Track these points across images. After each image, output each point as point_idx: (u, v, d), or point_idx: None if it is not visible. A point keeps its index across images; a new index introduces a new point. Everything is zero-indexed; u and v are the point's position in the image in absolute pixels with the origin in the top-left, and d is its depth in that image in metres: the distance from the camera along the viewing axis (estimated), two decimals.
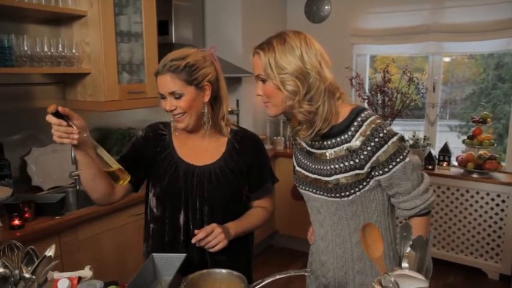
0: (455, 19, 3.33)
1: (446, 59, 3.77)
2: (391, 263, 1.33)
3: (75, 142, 1.15)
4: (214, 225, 1.31)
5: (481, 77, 3.76)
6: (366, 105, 3.57)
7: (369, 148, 1.18)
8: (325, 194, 1.27)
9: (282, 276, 1.15)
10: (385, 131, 1.18)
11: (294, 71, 1.16)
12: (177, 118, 1.33)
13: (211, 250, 1.30)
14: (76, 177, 2.44)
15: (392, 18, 3.55)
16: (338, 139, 1.23)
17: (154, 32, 2.63)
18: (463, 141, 3.33)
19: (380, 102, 3.46)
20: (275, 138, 3.83)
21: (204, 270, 1.18)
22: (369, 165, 1.20)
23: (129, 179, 1.21)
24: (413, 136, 3.47)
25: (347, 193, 1.23)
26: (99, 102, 2.38)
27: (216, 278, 1.17)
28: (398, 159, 1.19)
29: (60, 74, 2.37)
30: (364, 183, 1.23)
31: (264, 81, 1.20)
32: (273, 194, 1.53)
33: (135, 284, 1.13)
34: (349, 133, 1.20)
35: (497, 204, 3.13)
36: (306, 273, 1.11)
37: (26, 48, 2.07)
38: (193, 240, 1.29)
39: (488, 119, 3.23)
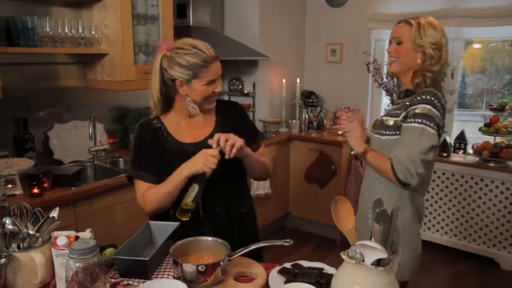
0: (475, 3, 3.24)
1: (477, 46, 3.68)
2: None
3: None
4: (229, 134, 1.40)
5: None
6: (383, 91, 3.57)
7: (407, 102, 1.50)
8: (374, 129, 1.65)
9: (264, 245, 1.24)
10: (428, 97, 1.45)
11: (435, 42, 1.49)
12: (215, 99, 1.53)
13: (232, 152, 1.37)
14: (94, 152, 2.59)
15: (411, 2, 3.48)
16: (407, 99, 1.55)
17: (170, 15, 2.71)
18: (479, 129, 3.27)
19: (396, 88, 3.44)
20: (290, 121, 3.88)
21: (192, 238, 1.27)
22: (403, 114, 1.50)
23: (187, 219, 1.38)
24: None
25: (384, 132, 1.57)
26: (116, 81, 2.50)
27: (203, 245, 1.27)
28: (417, 120, 1.44)
29: (81, 54, 2.50)
30: (397, 131, 1.52)
31: (400, 43, 1.53)
32: (264, 150, 1.67)
33: (128, 246, 1.24)
34: (412, 96, 1.52)
35: None
36: (285, 243, 1.18)
37: (48, 30, 2.20)
38: (210, 142, 1.39)
39: (507, 107, 3.15)
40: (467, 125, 3.53)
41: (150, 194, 1.47)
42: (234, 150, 1.37)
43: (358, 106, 1.74)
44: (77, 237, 1.15)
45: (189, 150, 1.47)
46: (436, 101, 1.46)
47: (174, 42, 1.50)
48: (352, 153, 3.44)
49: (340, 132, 3.54)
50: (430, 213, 3.46)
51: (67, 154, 2.57)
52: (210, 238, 1.27)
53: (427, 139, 1.43)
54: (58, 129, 2.57)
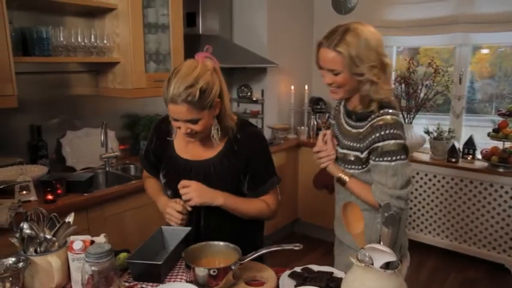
0: (483, 9, 3.25)
1: (485, 51, 3.68)
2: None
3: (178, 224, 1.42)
4: (193, 182, 1.38)
5: None
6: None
7: (370, 139, 1.38)
8: (338, 162, 1.51)
9: (274, 249, 1.26)
10: (390, 131, 1.34)
11: (374, 61, 1.34)
12: (190, 136, 1.38)
13: (188, 205, 1.39)
14: (106, 159, 2.63)
15: (419, 9, 3.51)
16: (359, 123, 1.45)
17: (180, 24, 2.76)
18: (488, 134, 3.27)
19: (404, 93, 3.46)
20: (299, 128, 3.90)
21: (204, 242, 1.30)
22: (366, 152, 1.41)
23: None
24: (437, 128, 3.44)
25: (348, 166, 1.48)
26: (127, 89, 2.55)
27: (214, 249, 1.29)
28: (386, 159, 1.36)
29: (93, 63, 2.56)
30: (363, 166, 1.44)
31: (337, 74, 1.37)
32: (277, 195, 1.52)
33: (141, 250, 1.27)
34: (366, 122, 1.41)
35: None
36: (296, 248, 1.20)
37: (62, 39, 2.26)
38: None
39: None
40: (476, 131, 3.52)
41: (146, 183, 1.68)
42: (189, 205, 1.39)
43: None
44: (92, 242, 1.18)
45: (182, 165, 1.48)
46: (397, 131, 1.35)
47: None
48: None
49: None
50: (440, 218, 3.45)
51: (79, 161, 2.62)
52: (221, 243, 1.29)
53: (402, 173, 1.36)
54: (70, 137, 2.61)
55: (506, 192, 3.13)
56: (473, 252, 3.34)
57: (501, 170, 3.15)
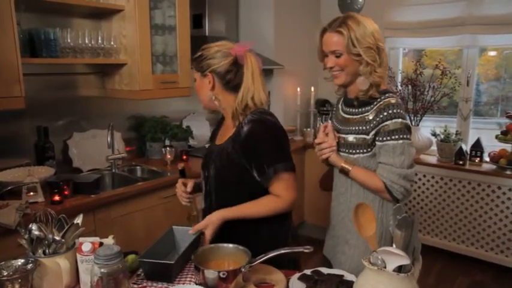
0: (491, 11, 3.23)
1: (492, 53, 3.65)
2: (380, 241, 1.47)
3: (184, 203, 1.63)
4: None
5: None
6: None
7: (377, 119, 1.44)
8: (340, 149, 1.54)
9: (285, 251, 1.25)
10: (395, 110, 1.42)
11: (371, 43, 1.43)
12: None
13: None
14: (112, 160, 2.63)
15: (426, 10, 3.50)
16: (363, 109, 1.50)
17: (187, 26, 2.76)
18: (496, 137, 3.24)
19: (411, 96, 3.44)
20: (305, 130, 3.89)
21: (213, 245, 1.29)
22: (373, 132, 1.45)
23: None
24: (445, 131, 3.42)
25: (353, 151, 1.51)
26: (134, 91, 2.55)
27: (224, 251, 1.28)
28: (394, 137, 1.42)
29: (100, 64, 2.56)
30: (369, 149, 1.48)
31: (339, 55, 1.45)
32: (288, 182, 1.45)
33: (152, 250, 1.26)
34: (371, 106, 1.47)
35: None
36: (306, 250, 1.19)
37: (69, 41, 2.26)
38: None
39: None
40: (483, 133, 3.49)
41: None
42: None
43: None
44: (101, 244, 1.18)
45: (208, 149, 1.64)
46: (402, 111, 1.44)
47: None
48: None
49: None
50: (447, 221, 3.43)
51: (85, 162, 2.62)
52: (230, 245, 1.28)
53: (409, 153, 1.43)
54: (77, 138, 2.62)
55: None
56: (480, 255, 3.31)
57: (509, 172, 3.12)
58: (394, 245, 1.03)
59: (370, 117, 1.46)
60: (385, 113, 1.43)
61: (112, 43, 2.46)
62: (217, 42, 1.50)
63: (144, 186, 2.36)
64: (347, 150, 1.52)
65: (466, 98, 3.48)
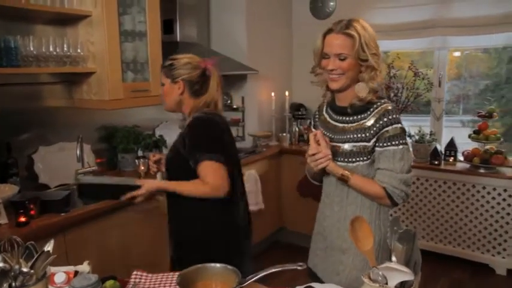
0: (461, 13, 3.30)
1: (457, 54, 3.73)
2: (379, 253, 1.42)
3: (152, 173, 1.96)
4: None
5: (495, 71, 3.70)
6: None
7: (377, 125, 1.42)
8: (337, 158, 1.48)
9: (276, 270, 1.17)
10: (394, 116, 1.42)
11: (375, 48, 1.41)
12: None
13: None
14: (82, 174, 2.49)
15: (398, 13, 3.53)
16: (360, 116, 1.46)
17: (158, 31, 2.66)
18: (469, 136, 3.30)
19: (386, 98, 3.45)
20: (280, 135, 3.84)
21: (199, 265, 1.20)
22: (374, 139, 1.43)
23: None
24: (419, 131, 3.45)
25: (352, 159, 1.46)
26: (104, 100, 2.42)
27: (211, 272, 1.20)
28: (394, 143, 1.41)
29: (66, 73, 2.41)
30: (369, 156, 1.45)
31: (344, 59, 1.41)
32: (211, 168, 1.62)
33: None
34: (368, 113, 1.45)
35: (504, 199, 3.10)
36: (299, 267, 1.12)
37: (32, 49, 2.11)
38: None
39: (495, 114, 3.19)
40: (454, 132, 3.57)
41: None
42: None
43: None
44: (76, 273, 1.07)
45: None
46: (399, 116, 1.44)
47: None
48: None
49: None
50: (424, 221, 3.45)
51: (53, 177, 2.46)
52: (218, 265, 1.20)
53: (407, 158, 1.43)
54: (43, 152, 2.46)
55: (489, 193, 3.16)
56: (458, 253, 3.36)
57: (482, 171, 3.18)
58: (394, 259, 0.98)
59: (369, 124, 1.43)
60: (385, 119, 1.41)
61: (79, 51, 2.33)
62: (185, 55, 1.77)
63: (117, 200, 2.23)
64: (345, 159, 1.47)
65: (438, 98, 3.53)
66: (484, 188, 3.17)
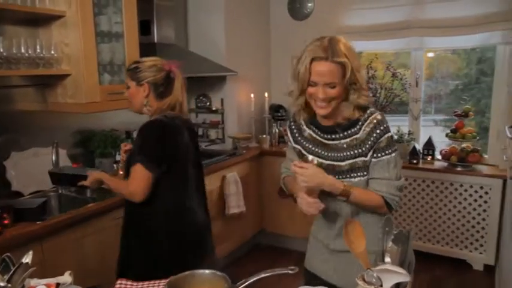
0: (436, 14, 3.36)
1: (430, 55, 3.80)
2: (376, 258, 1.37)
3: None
4: None
5: (464, 71, 3.80)
6: None
7: (372, 138, 1.39)
8: (337, 176, 1.42)
9: (266, 274, 1.14)
10: (385, 125, 1.40)
11: (361, 69, 1.38)
12: None
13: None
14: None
15: (375, 14, 3.57)
16: (350, 131, 1.43)
17: (135, 32, 2.59)
18: (446, 135, 3.36)
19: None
20: (260, 136, 3.82)
21: (187, 272, 1.16)
22: (371, 153, 1.40)
23: None
24: (398, 131, 3.50)
25: (354, 175, 1.43)
26: (80, 104, 2.34)
27: (200, 279, 1.16)
28: (387, 152, 1.41)
29: (39, 76, 2.32)
30: (368, 170, 1.42)
31: (334, 86, 1.33)
32: (135, 173, 1.66)
33: None
34: (358, 126, 1.41)
35: (481, 196, 3.17)
36: (290, 271, 1.10)
37: (1, 50, 2.02)
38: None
39: (470, 113, 3.27)
40: (431, 131, 3.64)
41: None
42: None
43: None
44: (57, 285, 1.01)
45: None
46: (388, 124, 1.42)
47: None
48: None
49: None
50: (404, 220, 3.50)
51: (27, 185, 2.36)
52: (207, 271, 1.17)
53: (400, 163, 1.45)
54: (16, 158, 2.35)
55: (466, 190, 3.23)
56: (437, 250, 3.41)
57: (460, 169, 3.24)
58: (388, 260, 0.97)
59: (362, 137, 1.40)
60: (378, 131, 1.39)
61: (52, 52, 2.24)
62: (150, 58, 1.81)
63: (95, 207, 2.16)
64: (347, 176, 1.43)
65: (415, 98, 3.58)
66: (461, 185, 3.24)
